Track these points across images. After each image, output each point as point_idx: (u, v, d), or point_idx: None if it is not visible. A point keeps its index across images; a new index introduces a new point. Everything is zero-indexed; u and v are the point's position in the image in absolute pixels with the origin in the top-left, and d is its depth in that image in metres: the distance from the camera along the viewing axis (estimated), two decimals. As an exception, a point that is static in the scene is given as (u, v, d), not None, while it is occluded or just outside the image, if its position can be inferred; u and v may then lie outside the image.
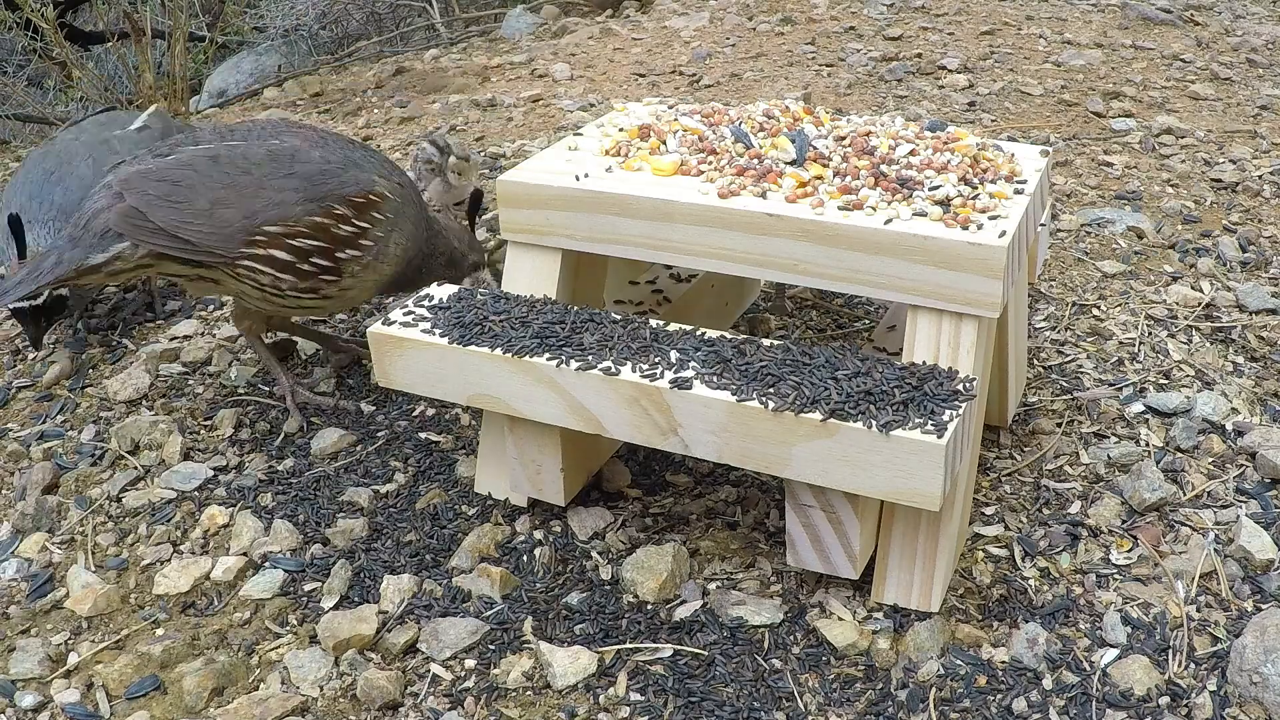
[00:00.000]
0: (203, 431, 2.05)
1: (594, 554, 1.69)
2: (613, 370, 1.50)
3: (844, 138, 1.73)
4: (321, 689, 1.49)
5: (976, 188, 1.59)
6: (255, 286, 1.85)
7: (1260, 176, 2.93)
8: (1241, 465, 1.82)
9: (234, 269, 1.83)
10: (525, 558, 1.69)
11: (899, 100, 3.57)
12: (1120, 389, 2.02)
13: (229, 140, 1.92)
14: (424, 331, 1.64)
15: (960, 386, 1.44)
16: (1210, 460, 1.83)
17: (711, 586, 1.62)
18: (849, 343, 2.16)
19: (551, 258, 1.74)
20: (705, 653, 1.50)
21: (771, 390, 1.44)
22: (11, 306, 2.09)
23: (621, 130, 1.86)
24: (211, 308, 2.52)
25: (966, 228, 1.48)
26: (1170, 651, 1.48)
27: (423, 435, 1.99)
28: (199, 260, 1.83)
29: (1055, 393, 2.02)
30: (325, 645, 1.55)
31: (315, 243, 1.83)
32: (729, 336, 1.57)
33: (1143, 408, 1.96)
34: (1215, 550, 1.64)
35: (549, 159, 1.78)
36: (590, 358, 1.53)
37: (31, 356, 2.38)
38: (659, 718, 1.42)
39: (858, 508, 1.47)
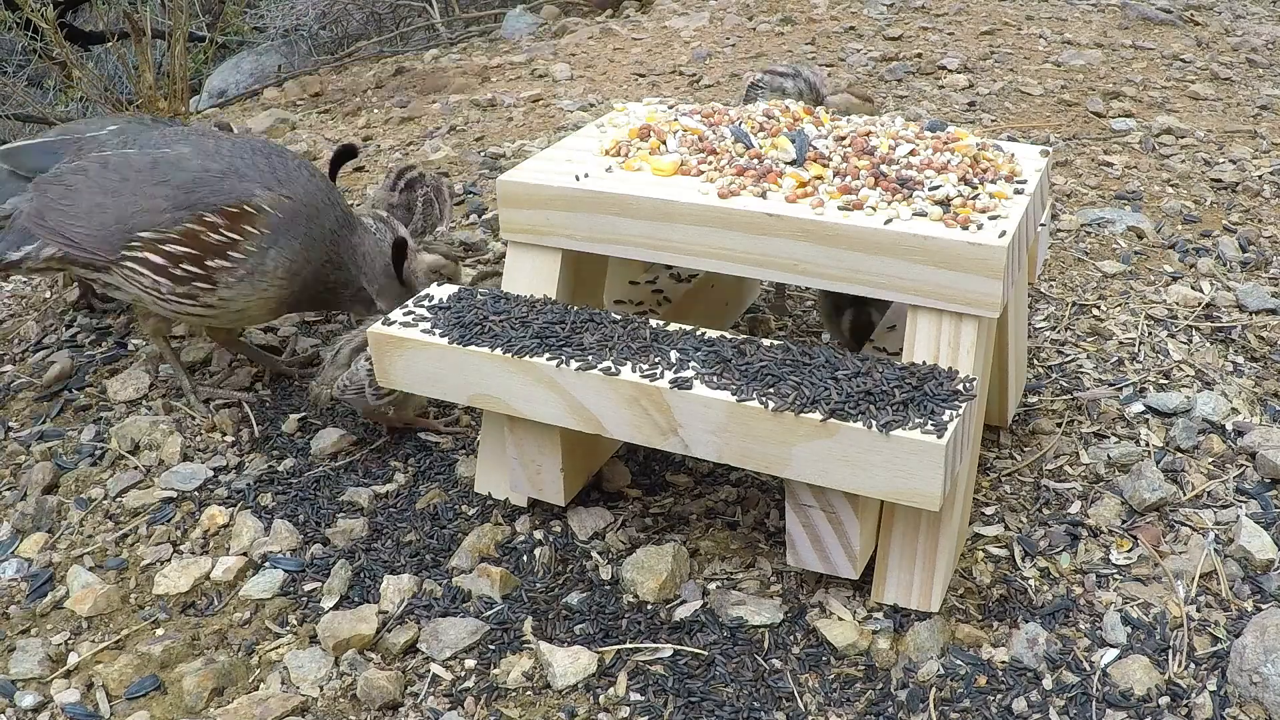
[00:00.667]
0: (203, 431, 2.05)
1: (594, 554, 1.69)
2: (613, 370, 1.50)
3: (844, 138, 1.73)
4: (321, 689, 1.49)
5: (976, 188, 1.59)
6: (140, 289, 1.90)
7: (1260, 176, 2.93)
8: (1241, 465, 1.82)
9: (120, 271, 1.88)
10: (525, 558, 1.69)
11: (899, 100, 3.57)
12: (1120, 389, 2.02)
13: (128, 147, 1.96)
14: (424, 331, 1.64)
15: (960, 386, 1.44)
16: (1210, 460, 1.83)
17: (711, 586, 1.62)
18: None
19: (551, 258, 1.74)
20: (705, 653, 1.50)
21: (771, 390, 1.44)
22: None
23: (619, 128, 1.86)
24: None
25: (966, 228, 1.48)
26: (1170, 651, 1.48)
27: (423, 435, 1.99)
28: (91, 262, 1.90)
29: (1055, 393, 2.02)
30: (325, 645, 1.55)
31: (185, 249, 1.84)
32: (729, 336, 1.57)
33: (1143, 408, 1.96)
34: (1215, 550, 1.64)
35: (549, 159, 1.78)
36: (590, 358, 1.53)
37: (32, 357, 2.38)
38: (659, 718, 1.42)
39: (858, 508, 1.47)
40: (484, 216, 2.89)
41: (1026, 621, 1.53)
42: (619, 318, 1.64)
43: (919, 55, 4.03)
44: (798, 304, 2.37)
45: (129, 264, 1.86)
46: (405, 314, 1.69)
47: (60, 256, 1.92)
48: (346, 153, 2.15)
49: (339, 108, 4.16)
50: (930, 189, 1.57)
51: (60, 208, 1.89)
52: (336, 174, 2.16)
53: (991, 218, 1.51)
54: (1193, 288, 2.37)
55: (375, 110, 4.05)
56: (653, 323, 1.62)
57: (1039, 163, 1.72)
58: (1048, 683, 1.44)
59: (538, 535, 1.72)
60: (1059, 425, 1.93)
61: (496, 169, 3.16)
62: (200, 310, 1.92)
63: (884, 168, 1.62)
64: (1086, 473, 1.81)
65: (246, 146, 1.95)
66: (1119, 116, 3.38)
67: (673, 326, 1.61)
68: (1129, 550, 1.65)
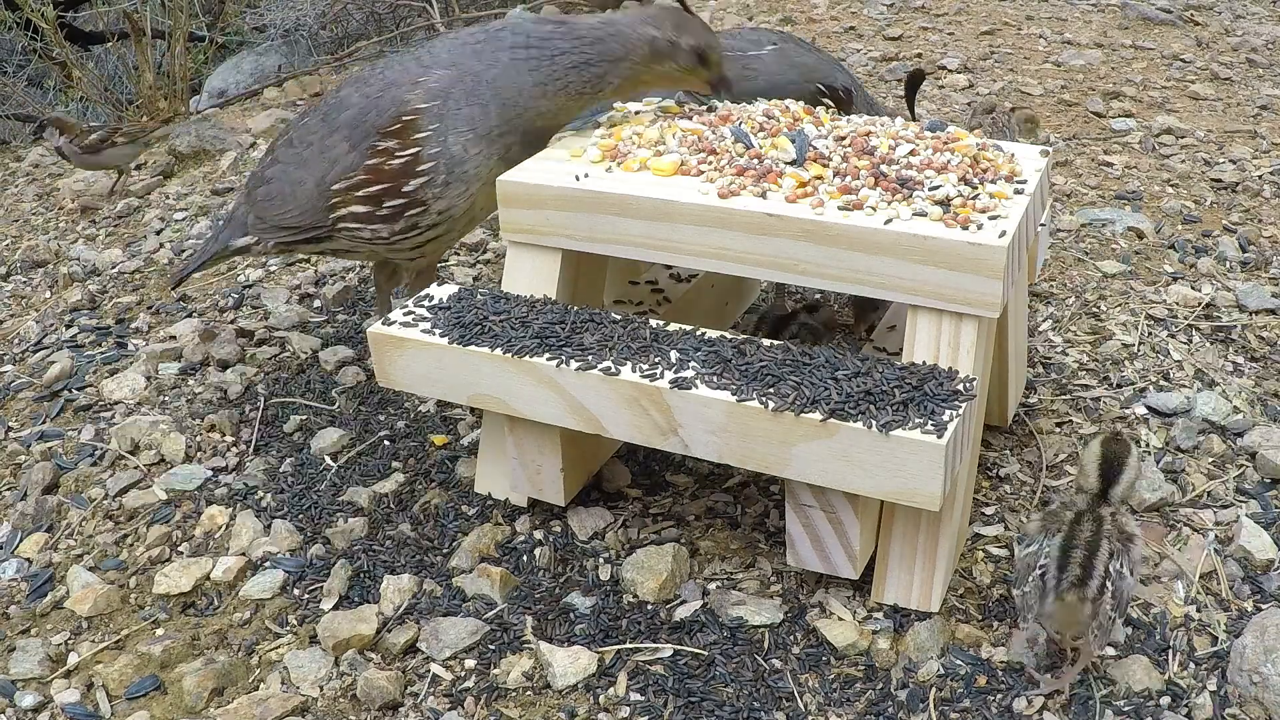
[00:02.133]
0: (203, 431, 2.05)
1: (594, 554, 1.69)
2: (613, 370, 1.50)
3: (844, 138, 1.73)
4: (321, 689, 1.49)
5: (976, 188, 1.59)
6: (368, 245, 1.86)
7: (1260, 176, 2.93)
8: (1241, 465, 1.82)
9: (339, 236, 1.86)
10: (525, 558, 1.69)
11: (899, 100, 3.57)
12: (1120, 389, 2.02)
13: (305, 116, 1.94)
14: (424, 331, 1.64)
15: (960, 386, 1.44)
16: (1210, 460, 1.83)
17: (711, 586, 1.62)
18: (849, 342, 2.16)
19: (551, 258, 1.74)
20: (705, 653, 1.50)
21: (771, 390, 1.44)
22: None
23: (618, 128, 1.86)
24: (211, 308, 2.52)
25: (966, 228, 1.48)
26: (1170, 651, 1.48)
27: (423, 435, 1.99)
28: (314, 237, 1.90)
29: (1055, 393, 2.02)
30: (325, 645, 1.55)
31: (378, 185, 1.77)
32: (729, 336, 1.57)
33: (1143, 408, 1.96)
34: (1215, 550, 1.64)
35: (549, 159, 1.78)
36: (590, 358, 1.53)
37: (32, 358, 2.38)
38: (659, 718, 1.42)
39: (858, 508, 1.47)
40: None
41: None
42: (619, 318, 1.64)
43: (919, 55, 4.03)
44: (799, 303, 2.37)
45: (341, 226, 1.83)
46: (405, 314, 1.69)
47: (284, 242, 1.96)
48: (917, 76, 2.09)
49: (339, 108, 4.16)
50: (930, 189, 1.57)
51: (267, 203, 1.93)
52: (914, 100, 2.10)
53: (991, 218, 1.51)
54: (1193, 288, 2.37)
55: (375, 110, 4.04)
56: (653, 323, 1.62)
57: (1039, 163, 1.72)
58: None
59: (538, 535, 1.72)
60: (1059, 425, 1.93)
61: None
62: (431, 235, 1.85)
63: (884, 168, 1.62)
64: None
65: (395, 60, 1.88)
66: (1119, 116, 3.38)
67: (673, 326, 1.61)
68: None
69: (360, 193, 1.80)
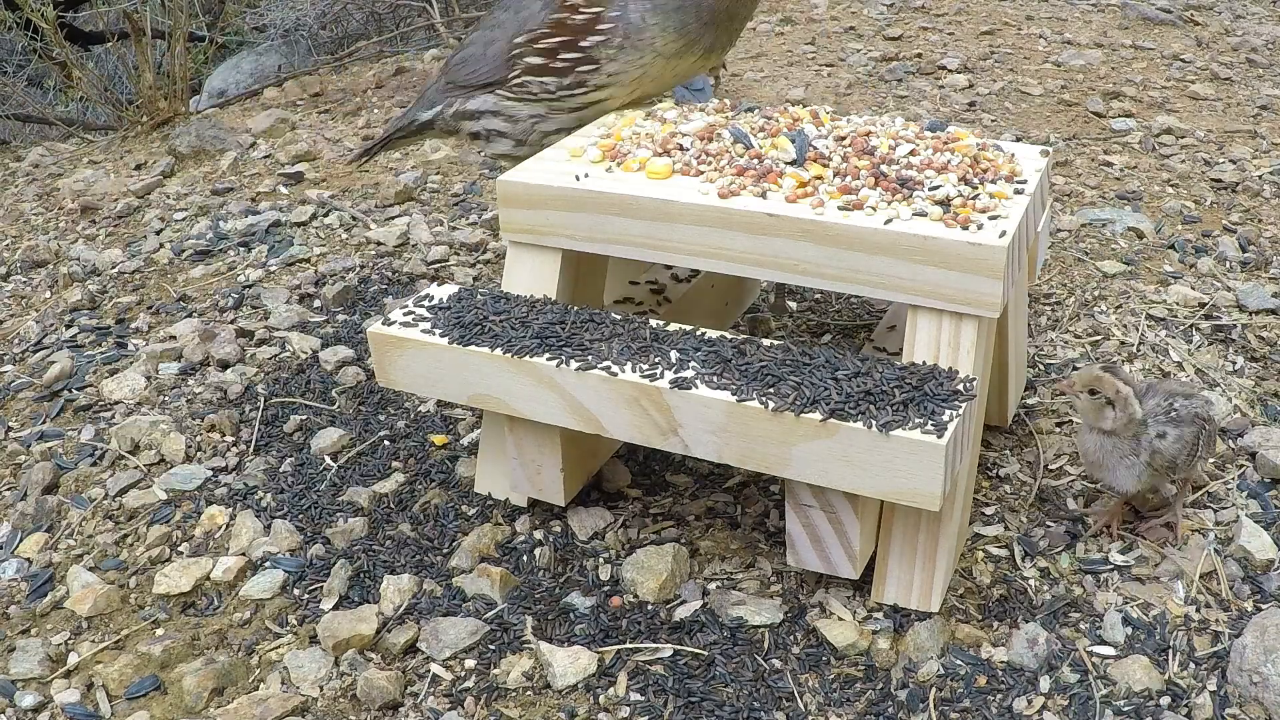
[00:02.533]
0: (203, 431, 2.05)
1: (594, 554, 1.69)
2: (613, 370, 1.50)
3: (844, 138, 1.73)
4: (321, 689, 1.49)
5: (976, 188, 1.59)
6: (533, 101, 2.01)
7: (1260, 176, 2.93)
8: (1241, 465, 1.82)
9: (512, 93, 2.03)
10: (525, 558, 1.69)
11: (899, 100, 3.57)
12: (1120, 389, 2.02)
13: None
14: (424, 332, 1.64)
15: (960, 387, 1.44)
16: (1211, 461, 1.83)
17: (711, 586, 1.62)
18: (849, 342, 2.16)
19: (551, 258, 1.74)
20: (705, 653, 1.50)
21: (771, 390, 1.44)
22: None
23: (617, 128, 1.86)
24: (211, 309, 2.52)
25: (966, 228, 1.48)
26: (1170, 651, 1.48)
27: (423, 435, 1.99)
28: (489, 88, 2.06)
29: (1055, 393, 2.02)
30: (325, 645, 1.55)
31: (559, 38, 1.93)
32: (729, 336, 1.57)
33: (1143, 408, 1.96)
34: (1215, 550, 1.64)
35: (549, 159, 1.78)
36: (590, 358, 1.53)
37: (32, 358, 2.38)
38: (659, 718, 1.42)
39: (858, 508, 1.47)
40: (484, 216, 2.89)
41: (1026, 621, 1.53)
42: (619, 318, 1.64)
43: (919, 55, 4.02)
44: (800, 303, 2.37)
45: (517, 78, 2.00)
46: (405, 314, 1.69)
47: (460, 111, 2.11)
48: None
49: (339, 108, 4.16)
50: (930, 189, 1.57)
51: (460, 67, 2.11)
52: None
53: (991, 218, 1.51)
54: (1193, 288, 2.37)
55: (375, 110, 4.05)
56: (653, 323, 1.62)
57: (1039, 163, 1.72)
58: (1047, 683, 1.44)
59: (538, 535, 1.72)
60: (1059, 425, 1.93)
61: (497, 169, 3.16)
62: (595, 98, 1.97)
63: (884, 168, 1.62)
64: (1086, 473, 1.81)
65: None
66: (1119, 116, 3.38)
67: (673, 326, 1.61)
68: (1129, 550, 1.65)
69: (540, 45, 1.97)
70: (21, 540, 1.84)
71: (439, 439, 1.98)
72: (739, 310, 2.29)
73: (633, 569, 1.62)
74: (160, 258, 2.85)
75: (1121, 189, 2.87)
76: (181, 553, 1.77)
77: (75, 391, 2.22)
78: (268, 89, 4.80)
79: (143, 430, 2.04)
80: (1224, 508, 1.73)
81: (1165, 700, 1.41)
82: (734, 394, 1.44)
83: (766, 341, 1.56)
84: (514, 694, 1.47)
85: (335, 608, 1.62)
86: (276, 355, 2.29)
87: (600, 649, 1.52)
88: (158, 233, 3.02)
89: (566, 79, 1.96)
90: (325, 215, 3.03)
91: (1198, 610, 1.55)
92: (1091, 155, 3.10)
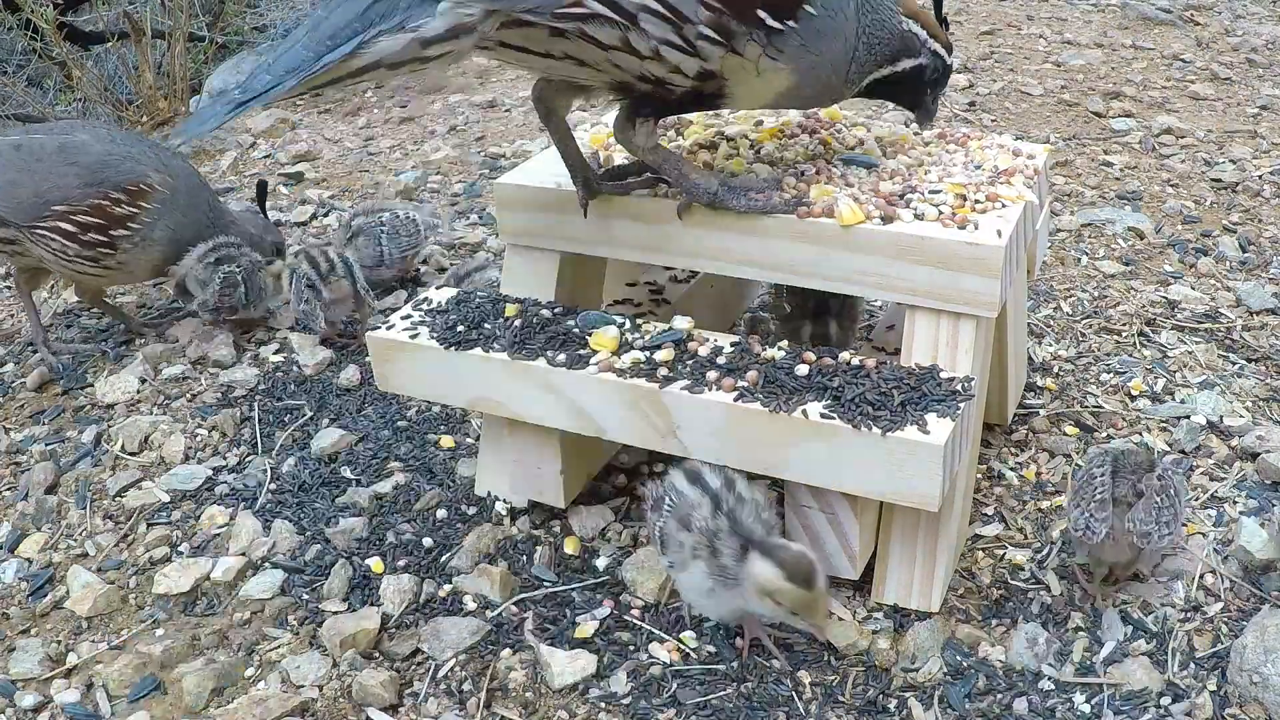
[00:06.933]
0: (203, 431, 2.05)
1: (594, 554, 1.69)
2: (611, 372, 1.50)
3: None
4: (321, 689, 1.49)
5: (975, 188, 1.59)
6: (49, 252, 2.22)
7: (1260, 176, 2.93)
8: (1242, 466, 1.82)
9: (31, 236, 2.21)
10: (525, 558, 1.69)
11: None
12: (1120, 390, 2.02)
13: (33, 133, 2.36)
14: (422, 336, 1.64)
15: (959, 387, 1.44)
16: (1211, 461, 1.83)
17: (711, 587, 1.62)
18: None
19: (549, 260, 1.73)
20: (705, 652, 1.50)
21: (770, 391, 1.44)
22: None
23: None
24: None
25: (964, 228, 1.48)
26: (1170, 651, 1.48)
27: (423, 435, 1.99)
28: (3, 235, 2.23)
29: (1055, 392, 2.02)
30: (325, 646, 1.55)
31: (94, 219, 2.20)
32: (728, 338, 1.57)
33: (1143, 408, 1.96)
34: (1215, 550, 1.64)
35: (547, 161, 1.78)
36: (589, 360, 1.53)
37: (32, 358, 2.38)
38: (659, 718, 1.42)
39: (857, 508, 1.47)
40: (484, 215, 2.89)
41: (1026, 621, 1.53)
42: (618, 319, 1.63)
43: (919, 55, 4.02)
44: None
45: (41, 231, 2.20)
46: (404, 318, 1.69)
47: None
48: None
49: (339, 108, 4.17)
50: (929, 190, 1.57)
51: None
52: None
53: (990, 218, 1.51)
54: (1193, 288, 2.37)
55: (375, 110, 4.05)
56: (652, 324, 1.62)
57: (1039, 162, 1.72)
58: (1047, 683, 1.44)
59: (538, 535, 1.72)
60: (1058, 425, 1.93)
61: (497, 169, 3.16)
62: (99, 271, 2.27)
63: (883, 184, 1.62)
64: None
65: (133, 137, 2.39)
66: (1119, 116, 3.38)
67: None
68: (1128, 550, 1.65)
69: (77, 218, 2.19)
70: (21, 540, 1.84)
71: (447, 441, 1.97)
72: (739, 311, 2.29)
73: (633, 569, 1.62)
74: (160, 258, 2.85)
75: (1121, 189, 2.87)
76: (181, 553, 1.77)
77: (76, 392, 2.23)
78: (268, 89, 4.79)
79: (142, 430, 2.04)
80: (1224, 508, 1.73)
81: (1165, 700, 1.41)
82: (733, 396, 1.44)
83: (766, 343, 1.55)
84: (514, 694, 1.47)
85: (336, 608, 1.62)
86: (276, 355, 2.29)
87: (600, 649, 1.52)
88: (158, 233, 3.02)
89: (86, 251, 2.21)
90: (325, 215, 3.03)
91: (1198, 610, 1.55)
92: (1091, 155, 3.10)
